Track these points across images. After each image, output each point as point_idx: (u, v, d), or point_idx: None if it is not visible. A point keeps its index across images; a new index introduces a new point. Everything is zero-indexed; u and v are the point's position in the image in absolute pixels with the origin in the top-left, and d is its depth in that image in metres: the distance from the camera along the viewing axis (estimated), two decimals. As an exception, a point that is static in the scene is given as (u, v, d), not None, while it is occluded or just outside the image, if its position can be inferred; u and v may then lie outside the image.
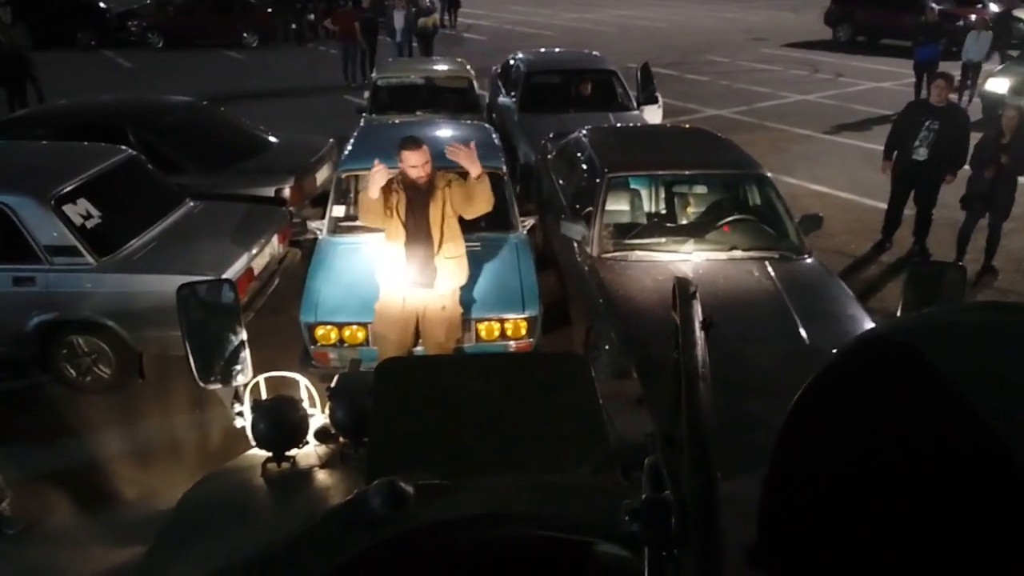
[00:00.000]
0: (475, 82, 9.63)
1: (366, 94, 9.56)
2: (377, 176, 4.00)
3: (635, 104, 9.30)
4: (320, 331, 4.57)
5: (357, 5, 15.88)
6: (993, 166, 6.45)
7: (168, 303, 4.60)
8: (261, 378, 2.73)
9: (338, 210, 5.57)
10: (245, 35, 19.84)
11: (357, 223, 5.44)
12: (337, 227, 5.48)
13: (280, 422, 2.48)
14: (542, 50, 11.87)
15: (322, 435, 2.54)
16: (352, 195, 5.99)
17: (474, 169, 4.05)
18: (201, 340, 2.63)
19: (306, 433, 2.52)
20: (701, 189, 5.56)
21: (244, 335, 2.68)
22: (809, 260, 5.03)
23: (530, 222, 5.59)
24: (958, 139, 6.85)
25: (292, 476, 2.38)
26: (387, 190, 4.15)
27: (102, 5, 20.38)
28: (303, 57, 18.66)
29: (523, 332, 4.63)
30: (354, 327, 4.56)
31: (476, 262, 4.69)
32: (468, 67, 9.91)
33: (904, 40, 18.42)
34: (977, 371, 0.72)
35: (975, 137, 6.79)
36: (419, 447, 1.99)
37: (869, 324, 4.28)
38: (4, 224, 4.61)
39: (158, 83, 15.11)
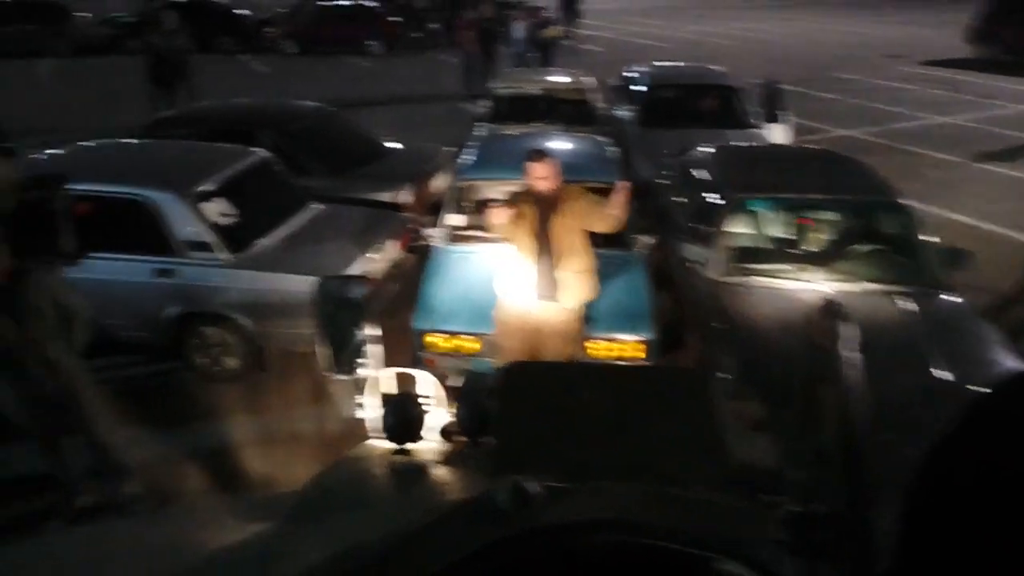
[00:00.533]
0: (593, 94, 9.56)
1: (483, 103, 9.67)
2: (498, 217, 4.08)
3: (760, 122, 8.97)
4: (431, 338, 4.62)
5: (477, 14, 16.12)
6: None
7: (291, 301, 4.87)
8: (388, 372, 2.86)
9: (454, 219, 5.63)
10: (371, 43, 20.57)
11: (472, 232, 5.50)
12: (453, 235, 5.54)
13: (405, 416, 2.63)
14: (663, 63, 11.66)
15: (446, 433, 2.68)
16: (469, 204, 6.04)
17: (617, 209, 4.06)
18: (332, 332, 2.83)
19: (422, 427, 2.65)
20: (832, 215, 5.26)
21: (373, 331, 2.86)
22: (951, 297, 4.67)
23: (648, 241, 5.47)
24: None
25: (412, 468, 2.53)
26: (514, 202, 4.15)
27: (242, 12, 21.66)
28: (424, 65, 19.14)
29: (637, 354, 4.52)
30: (467, 336, 4.57)
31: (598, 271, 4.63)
32: (585, 79, 9.86)
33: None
34: None
35: None
36: (543, 449, 2.05)
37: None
38: (148, 219, 4.92)
39: (290, 87, 15.85)
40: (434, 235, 5.59)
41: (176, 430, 4.72)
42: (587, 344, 4.53)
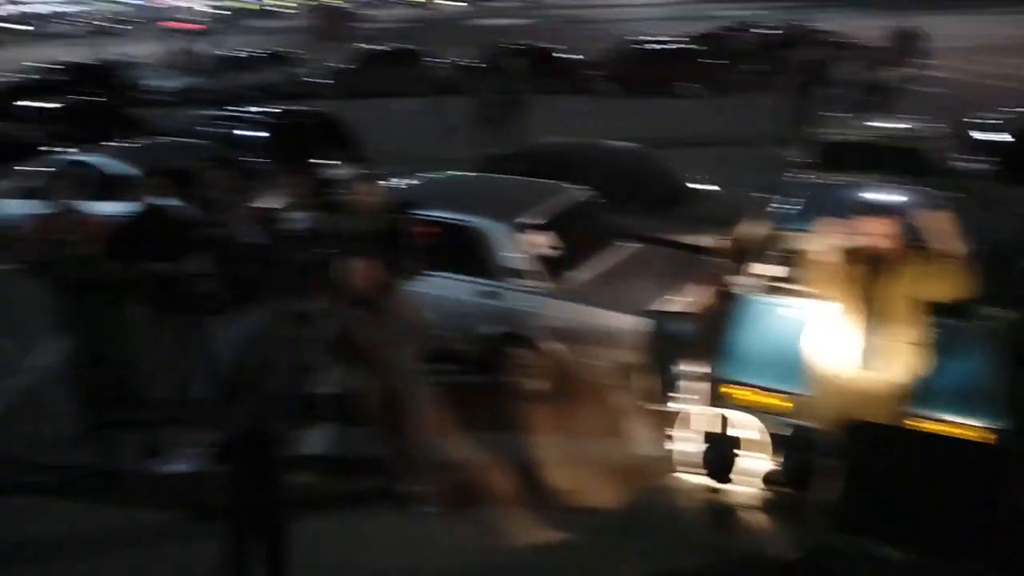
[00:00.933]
0: (932, 143, 8.64)
1: (806, 149, 9.23)
2: (830, 246, 3.81)
3: None
4: (728, 389, 4.49)
5: (807, 56, 15.45)
6: None
7: (600, 334, 5.11)
8: (714, 412, 3.02)
9: (768, 268, 5.45)
10: (691, 84, 20.75)
11: (786, 284, 5.27)
12: (765, 285, 5.36)
13: (725, 456, 2.76)
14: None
15: (768, 479, 2.78)
16: (784, 255, 5.80)
17: (939, 243, 3.72)
18: (660, 365, 3.05)
19: (732, 469, 2.72)
20: None
21: (700, 368, 3.03)
22: None
23: (1004, 313, 4.79)
24: None
25: (726, 507, 2.63)
26: (842, 260, 3.91)
27: (569, 56, 23.25)
28: (743, 107, 18.81)
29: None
30: (774, 393, 4.38)
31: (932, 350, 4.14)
32: (922, 127, 8.94)
33: None
34: None
35: None
36: (882, 517, 2.02)
37: None
38: (478, 244, 5.52)
39: (611, 127, 16.57)
40: (744, 283, 5.46)
41: (479, 439, 5.09)
42: (915, 425, 4.08)
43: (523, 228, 5.57)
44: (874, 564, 1.43)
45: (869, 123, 9.82)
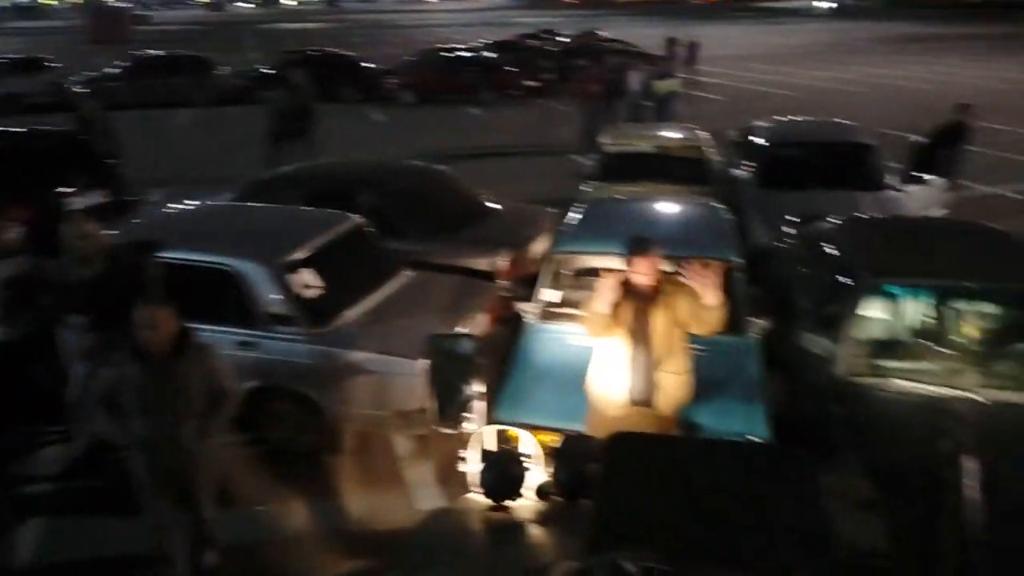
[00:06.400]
0: (709, 151, 9.02)
1: (593, 158, 9.30)
2: (609, 290, 3.58)
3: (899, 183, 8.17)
4: (512, 433, 4.21)
5: (602, 66, 15.86)
6: None
7: (369, 378, 4.63)
8: (489, 429, 3.01)
9: (550, 294, 5.25)
10: (485, 92, 20.78)
11: (570, 310, 5.09)
12: (547, 313, 5.15)
13: (505, 474, 2.74)
14: (787, 119, 10.93)
15: (542, 492, 2.77)
16: (567, 277, 5.65)
17: (710, 298, 3.52)
18: (442, 385, 3.11)
19: (522, 486, 2.73)
20: (988, 307, 4.50)
21: (480, 387, 3.11)
22: None
23: (763, 324, 4.88)
24: None
25: (508, 526, 2.64)
26: (609, 298, 3.69)
27: (368, 64, 22.51)
28: (536, 115, 19.10)
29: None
30: (550, 432, 4.13)
31: (697, 369, 4.07)
32: (701, 135, 9.33)
33: None
34: None
35: None
36: (642, 524, 2.02)
37: None
38: (233, 289, 4.81)
39: (404, 137, 16.16)
40: (527, 310, 5.21)
41: (250, 506, 4.57)
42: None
43: (283, 267, 4.92)
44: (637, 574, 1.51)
45: (651, 132, 10.10)
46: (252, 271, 4.84)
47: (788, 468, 2.37)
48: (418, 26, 51.41)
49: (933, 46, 35.09)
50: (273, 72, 20.67)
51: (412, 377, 4.37)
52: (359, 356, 4.67)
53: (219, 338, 4.78)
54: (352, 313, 5.02)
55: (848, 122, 10.20)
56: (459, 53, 23.02)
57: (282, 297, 4.81)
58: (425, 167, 7.98)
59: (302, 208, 6.10)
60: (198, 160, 14.18)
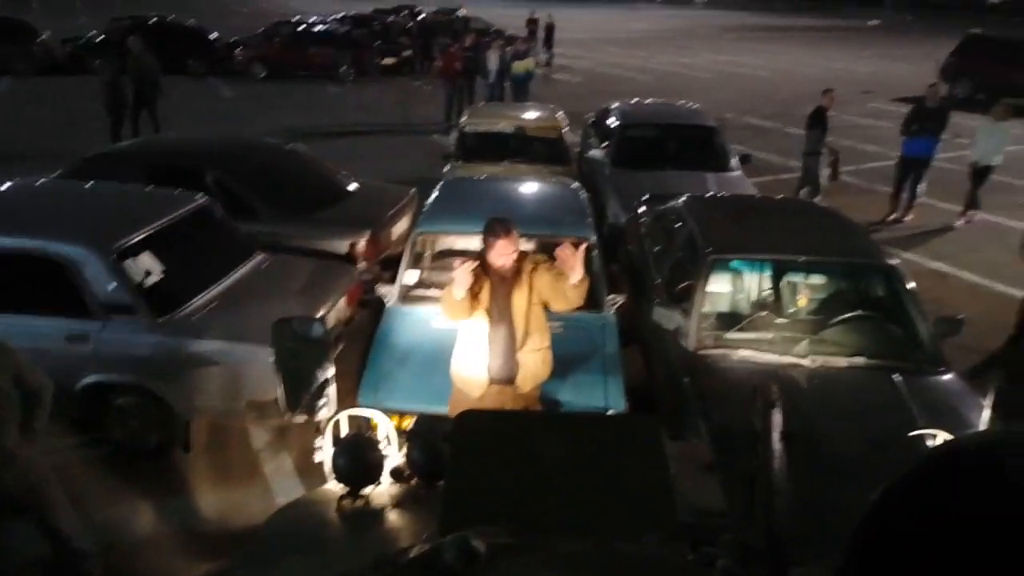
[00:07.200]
0: (566, 131, 9.20)
1: (455, 138, 9.25)
2: (465, 275, 3.52)
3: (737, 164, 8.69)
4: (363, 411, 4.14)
5: (461, 43, 15.71)
6: None
7: (219, 370, 4.38)
8: (343, 415, 2.91)
9: (411, 275, 5.17)
10: (343, 68, 20.14)
11: (432, 291, 5.04)
12: (408, 295, 5.08)
13: (359, 459, 2.63)
14: (639, 101, 11.35)
15: (397, 475, 2.70)
16: (428, 258, 5.60)
17: (575, 276, 3.54)
18: (291, 372, 2.92)
19: (381, 472, 2.66)
20: (820, 279, 4.88)
21: (331, 372, 2.93)
22: (948, 376, 4.29)
23: (619, 300, 5.05)
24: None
25: (365, 513, 2.56)
26: (468, 280, 3.66)
27: (212, 35, 21.16)
28: (396, 92, 18.76)
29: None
30: (413, 416, 4.09)
31: (556, 346, 4.16)
32: (559, 115, 9.50)
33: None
34: None
35: None
36: (492, 500, 2.04)
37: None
38: (62, 277, 4.39)
39: (256, 113, 15.37)
40: (388, 292, 5.11)
41: (95, 511, 4.20)
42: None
43: (120, 253, 4.52)
44: (475, 558, 1.48)
45: (510, 112, 10.16)
46: (82, 257, 4.42)
47: (633, 435, 2.42)
48: (269, -3, 48.94)
49: (775, 35, 37.56)
50: (106, 39, 19.05)
51: (267, 366, 4.16)
52: (207, 346, 4.39)
53: (45, 331, 4.38)
54: (200, 300, 4.70)
55: (696, 105, 10.73)
56: (311, 27, 22.13)
57: (117, 284, 4.43)
58: (279, 145, 7.62)
59: (140, 187, 5.63)
60: (24, 134, 12.84)
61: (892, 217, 9.74)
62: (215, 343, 4.38)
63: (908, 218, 9.72)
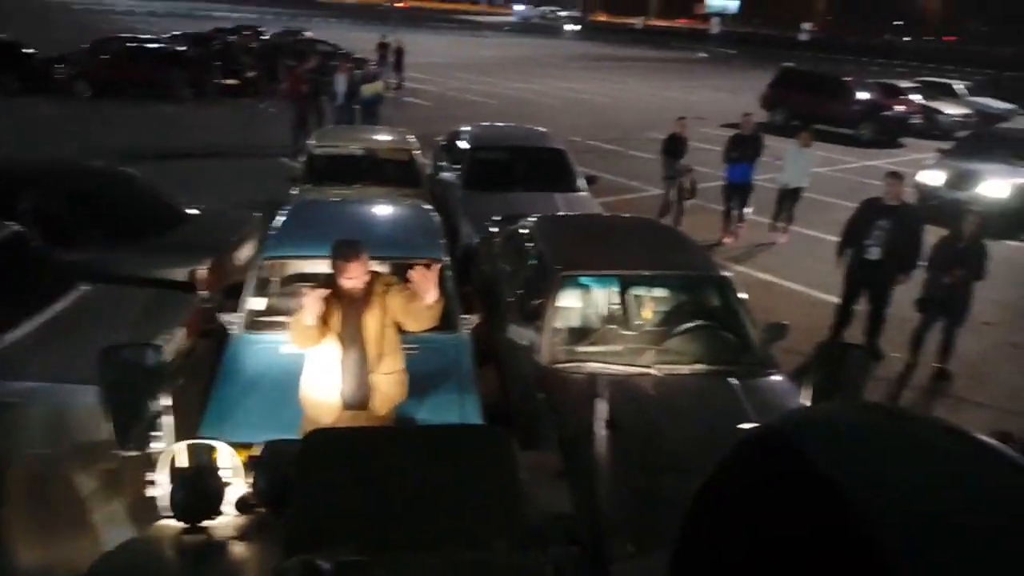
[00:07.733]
0: (418, 153, 9.20)
1: (302, 161, 8.99)
2: (315, 302, 3.40)
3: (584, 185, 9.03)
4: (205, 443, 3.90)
5: (306, 65, 15.33)
6: (951, 271, 6.28)
7: (33, 416, 3.96)
8: (179, 446, 2.69)
9: (256, 302, 4.94)
10: (178, 88, 19.10)
11: (279, 318, 4.84)
12: (254, 322, 4.85)
13: (198, 491, 2.48)
14: (488, 124, 11.56)
15: (242, 505, 2.56)
16: (276, 284, 5.37)
17: (429, 297, 3.50)
18: (121, 403, 2.73)
19: (221, 502, 2.52)
20: (662, 292, 5.14)
21: (167, 401, 2.74)
22: (776, 377, 4.63)
23: (473, 320, 5.07)
24: (911, 239, 6.71)
25: (207, 548, 2.40)
26: (321, 300, 3.53)
27: (28, 50, 19.43)
28: (238, 114, 18.02)
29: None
30: (254, 448, 3.89)
31: (411, 368, 4.10)
32: (410, 138, 9.48)
33: (835, 126, 19.50)
34: (853, 468, 0.85)
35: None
36: (340, 521, 1.98)
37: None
38: None
39: (81, 135, 14.23)
40: (232, 320, 4.85)
41: None
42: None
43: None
44: (332, 569, 1.48)
45: (360, 134, 10.03)
46: None
47: (482, 446, 2.42)
48: (97, 11, 45.76)
49: (615, 65, 39.55)
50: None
51: (92, 405, 3.82)
52: (19, 387, 3.97)
53: None
54: (9, 337, 4.25)
55: (544, 129, 11.07)
56: (144, 44, 20.85)
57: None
58: (104, 167, 7.09)
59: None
60: None
61: (725, 239, 10.47)
62: (28, 384, 3.96)
63: (728, 240, 10.44)
